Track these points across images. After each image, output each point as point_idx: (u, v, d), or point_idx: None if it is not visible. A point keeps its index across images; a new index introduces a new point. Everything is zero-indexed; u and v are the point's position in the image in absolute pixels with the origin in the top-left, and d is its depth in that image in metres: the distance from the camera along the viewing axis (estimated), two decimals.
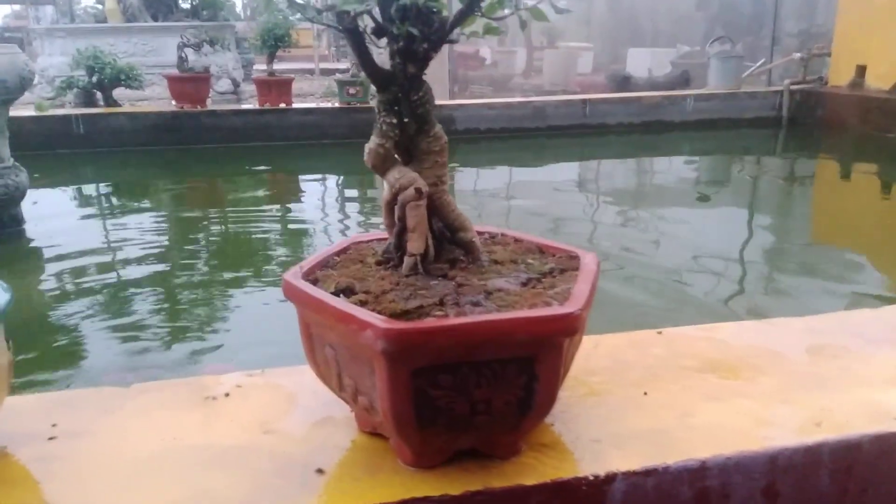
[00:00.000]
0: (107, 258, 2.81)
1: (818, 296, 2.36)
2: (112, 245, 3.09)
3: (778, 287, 2.50)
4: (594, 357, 0.95)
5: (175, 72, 5.29)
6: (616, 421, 0.80)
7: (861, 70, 5.36)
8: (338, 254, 0.83)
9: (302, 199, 4.39)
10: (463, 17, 0.66)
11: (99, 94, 5.50)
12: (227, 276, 2.68)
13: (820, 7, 6.95)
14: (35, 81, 6.74)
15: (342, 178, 4.92)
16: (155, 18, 7.82)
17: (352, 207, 4.16)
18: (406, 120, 0.70)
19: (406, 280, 0.71)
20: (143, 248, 2.93)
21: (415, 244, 0.72)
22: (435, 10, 0.63)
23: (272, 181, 4.82)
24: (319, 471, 0.72)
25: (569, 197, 4.19)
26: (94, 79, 5.25)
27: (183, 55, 5.07)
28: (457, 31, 0.79)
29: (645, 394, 0.86)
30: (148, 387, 0.91)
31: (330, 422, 0.81)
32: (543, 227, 3.32)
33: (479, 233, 0.89)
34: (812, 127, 5.76)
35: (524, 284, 0.72)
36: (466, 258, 0.76)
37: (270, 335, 2.04)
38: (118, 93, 5.46)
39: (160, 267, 2.74)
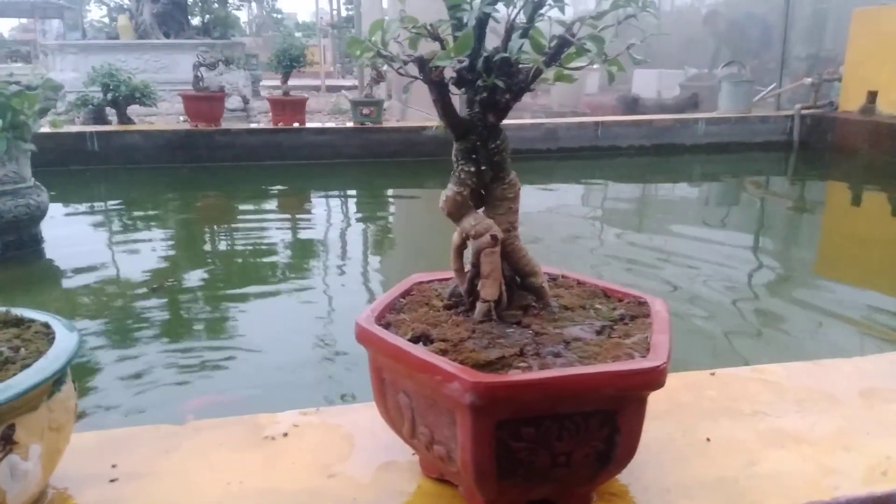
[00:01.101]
0: (123, 278, 2.80)
1: (822, 330, 2.34)
2: (127, 264, 3.08)
3: (779, 319, 2.48)
4: (651, 399, 0.94)
5: (190, 90, 5.33)
6: (682, 469, 0.80)
7: (872, 96, 5.39)
8: (403, 296, 0.83)
9: (314, 218, 4.40)
10: (545, 69, 0.66)
11: (109, 111, 5.53)
12: (238, 294, 2.67)
13: (828, 32, 7.00)
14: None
15: (355, 198, 4.93)
16: (167, 36, 7.89)
17: (365, 227, 4.17)
18: (483, 168, 0.71)
19: (481, 327, 0.71)
20: (158, 266, 2.93)
21: (489, 290, 0.72)
22: (524, 64, 0.63)
23: (285, 200, 4.83)
24: None
25: (577, 218, 4.20)
26: (109, 96, 5.28)
27: (199, 74, 5.10)
28: None
29: (707, 440, 0.85)
30: (203, 425, 0.91)
31: (394, 466, 0.81)
32: (551, 248, 3.32)
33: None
34: (823, 151, 5.77)
35: (599, 333, 0.72)
36: (537, 304, 0.76)
37: (277, 358, 2.06)
38: (140, 111, 5.50)
39: (175, 285, 2.73)
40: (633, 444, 0.67)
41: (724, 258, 3.22)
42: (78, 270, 2.82)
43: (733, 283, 2.82)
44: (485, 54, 0.66)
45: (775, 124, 6.04)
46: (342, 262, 3.24)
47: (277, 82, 5.72)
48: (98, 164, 5.00)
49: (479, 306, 0.73)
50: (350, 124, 5.48)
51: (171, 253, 3.34)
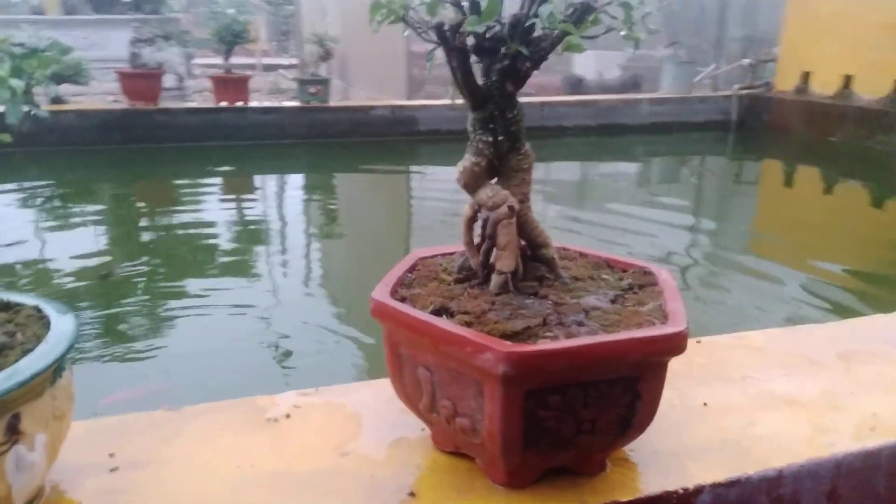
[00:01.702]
0: (48, 266, 2.67)
1: (757, 301, 2.45)
2: (54, 251, 2.94)
3: (719, 295, 2.58)
4: None
5: (125, 67, 5.09)
6: (686, 433, 0.82)
7: (806, 76, 5.62)
8: (409, 270, 0.82)
9: (259, 199, 4.30)
10: (565, 36, 0.65)
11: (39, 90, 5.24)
12: (175, 284, 2.59)
13: (762, 14, 7.23)
14: None
15: (301, 180, 4.84)
16: (97, 11, 7.51)
17: (311, 211, 4.10)
18: (500, 138, 0.70)
19: (500, 299, 0.71)
20: (89, 255, 2.81)
21: (505, 262, 0.72)
22: (552, 30, 0.62)
23: (229, 181, 4.70)
24: (412, 494, 0.70)
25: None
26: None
27: (136, 51, 4.88)
28: None
29: (705, 405, 0.88)
30: (201, 409, 0.88)
31: (405, 442, 0.80)
32: None
33: None
34: (760, 131, 6.00)
35: (613, 302, 0.73)
36: (550, 275, 0.76)
37: (205, 346, 2.01)
38: (71, 89, 5.22)
39: (104, 273, 2.63)
40: (652, 410, 0.68)
41: (661, 234, 3.31)
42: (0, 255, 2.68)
43: (672, 257, 2.91)
44: (503, 21, 0.65)
45: (714, 104, 6.23)
46: (286, 247, 3.17)
47: (211, 61, 5.53)
48: (28, 145, 4.73)
49: (496, 278, 0.72)
50: (294, 103, 5.35)
51: (106, 238, 3.20)
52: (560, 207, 3.99)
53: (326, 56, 5.21)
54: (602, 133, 6.05)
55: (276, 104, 5.34)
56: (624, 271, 0.82)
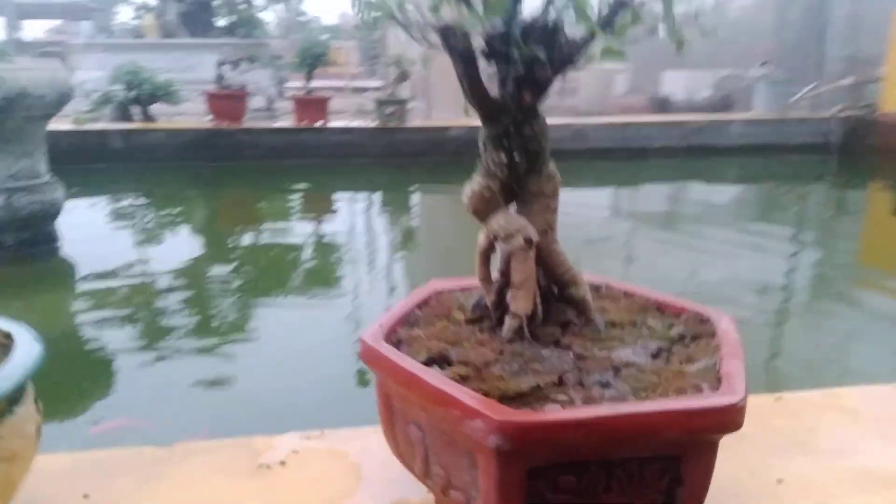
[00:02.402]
0: (140, 278, 2.72)
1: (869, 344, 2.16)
2: (146, 263, 3.02)
3: (811, 339, 2.30)
4: None
5: (213, 88, 5.28)
6: None
7: None
8: (420, 306, 0.71)
9: (335, 217, 4.31)
10: (594, 37, 0.54)
11: (135, 109, 5.50)
12: (259, 296, 2.60)
13: (866, 32, 6.73)
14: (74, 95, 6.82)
15: (378, 197, 4.84)
16: (192, 35, 7.89)
17: (388, 229, 4.06)
18: (516, 157, 0.59)
19: (511, 348, 0.59)
20: (177, 267, 2.86)
21: (521, 303, 0.60)
22: (562, 27, 0.51)
23: (307, 198, 4.76)
24: None
25: (607, 219, 4.05)
26: (133, 94, 5.25)
27: (222, 72, 5.05)
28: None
29: (779, 482, 0.72)
30: (193, 448, 0.80)
31: None
32: (576, 247, 3.18)
33: None
34: (863, 154, 5.54)
35: (655, 356, 0.59)
36: (578, 320, 0.64)
37: (285, 353, 1.97)
38: (165, 109, 5.46)
39: (193, 286, 2.66)
40: (699, 497, 0.54)
41: (759, 265, 3.05)
42: (93, 268, 2.75)
43: (770, 291, 2.66)
44: (522, 21, 0.54)
45: (813, 126, 5.81)
46: (363, 265, 3.13)
47: (314, 84, 5.66)
48: (121, 161, 4.97)
49: (509, 322, 0.61)
50: (373, 124, 5.38)
51: (190, 253, 3.26)
52: (647, 232, 3.79)
53: (404, 77, 5.22)
54: (689, 155, 5.76)
55: (353, 124, 5.38)
56: (677, 316, 0.69)
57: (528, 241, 0.59)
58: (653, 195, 5.10)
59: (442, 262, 3.23)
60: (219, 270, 2.97)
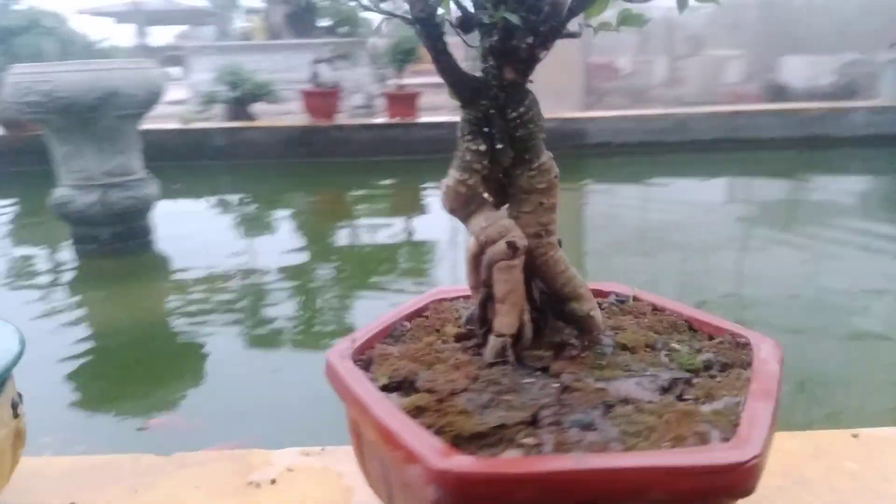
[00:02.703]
0: (233, 271, 2.79)
1: None
2: (240, 256, 3.11)
3: None
4: (765, 471, 0.68)
5: (309, 87, 5.40)
6: None
7: None
8: (411, 316, 0.63)
9: (425, 212, 4.29)
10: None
11: (247, 108, 5.74)
12: (354, 289, 2.63)
13: None
14: (187, 96, 7.20)
15: None
16: (297, 36, 8.14)
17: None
18: (500, 146, 0.49)
19: (489, 373, 0.50)
20: (272, 261, 2.92)
21: (504, 320, 0.51)
22: None
23: (397, 192, 4.78)
24: None
25: (713, 220, 3.77)
26: (236, 94, 5.47)
27: (316, 71, 5.16)
28: (579, 22, 0.57)
29: None
30: (190, 458, 0.76)
31: None
32: (680, 259, 2.97)
33: (603, 293, 0.67)
34: None
35: (666, 390, 0.48)
36: (580, 340, 0.54)
37: None
38: (267, 108, 5.67)
39: (287, 280, 2.72)
40: None
41: (887, 271, 2.73)
42: (186, 262, 2.87)
43: (878, 295, 2.36)
44: None
45: None
46: (451, 260, 3.08)
47: (412, 80, 5.69)
48: (222, 158, 5.19)
49: (492, 341, 0.52)
50: None
51: (284, 247, 3.32)
52: (757, 230, 3.51)
53: None
54: (807, 146, 5.30)
55: (442, 119, 5.34)
56: (710, 338, 0.57)
57: (513, 247, 0.50)
58: (765, 190, 4.73)
59: None
60: (312, 264, 3.02)
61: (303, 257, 3.14)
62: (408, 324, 0.62)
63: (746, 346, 0.54)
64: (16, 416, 0.62)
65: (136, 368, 1.94)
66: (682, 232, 3.43)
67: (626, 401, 0.46)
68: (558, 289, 0.54)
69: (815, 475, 0.67)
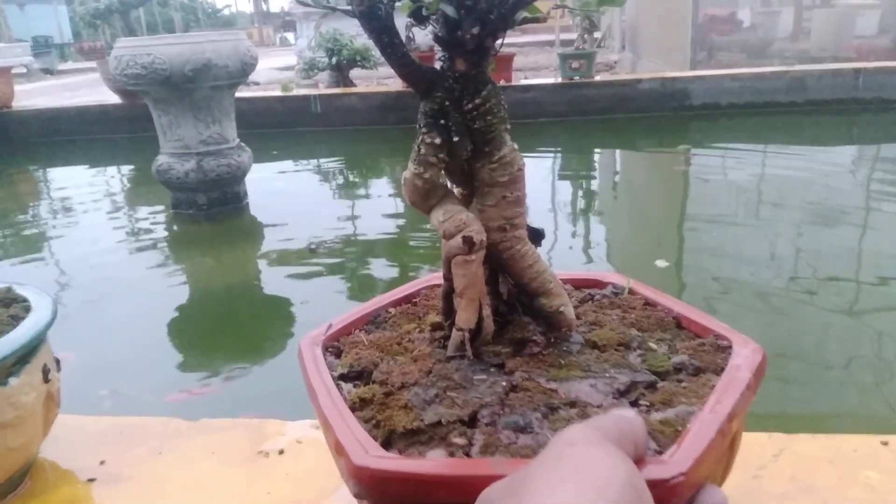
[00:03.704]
0: (325, 236, 2.87)
1: None
2: (332, 220, 3.18)
3: None
4: (771, 475, 0.65)
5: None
6: None
7: None
8: (399, 302, 0.64)
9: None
10: None
11: (347, 74, 5.85)
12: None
13: None
14: (295, 63, 7.41)
15: (557, 157, 4.67)
16: None
17: (564, 189, 3.91)
18: (456, 139, 0.49)
19: (443, 368, 0.50)
20: (369, 226, 2.98)
21: (462, 315, 0.51)
22: None
23: None
24: None
25: (830, 188, 3.48)
26: (334, 60, 5.59)
27: (411, 34, 5.15)
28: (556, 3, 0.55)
29: None
30: (213, 425, 0.82)
31: None
32: (789, 214, 2.78)
33: (601, 283, 0.65)
34: None
35: (622, 394, 0.47)
36: (546, 337, 0.53)
37: None
38: (365, 74, 5.72)
39: (384, 246, 2.75)
40: None
41: None
42: (277, 225, 3.00)
43: None
44: None
45: None
46: (550, 224, 3.01)
47: (510, 40, 5.60)
48: (321, 125, 5.35)
49: (454, 335, 0.52)
50: (557, 80, 5.18)
51: (374, 212, 3.37)
52: (882, 201, 3.22)
53: (591, 28, 4.93)
54: None
55: (535, 82, 5.22)
56: (694, 339, 0.54)
57: (469, 242, 0.49)
58: (892, 155, 4.31)
59: (635, 230, 3.00)
60: (404, 232, 3.03)
61: (401, 222, 3.16)
62: (393, 310, 0.63)
63: (727, 349, 0.51)
64: (46, 381, 0.69)
65: (225, 328, 2.08)
66: (791, 195, 3.19)
67: (573, 404, 0.45)
68: (526, 284, 0.52)
69: (827, 483, 0.63)
